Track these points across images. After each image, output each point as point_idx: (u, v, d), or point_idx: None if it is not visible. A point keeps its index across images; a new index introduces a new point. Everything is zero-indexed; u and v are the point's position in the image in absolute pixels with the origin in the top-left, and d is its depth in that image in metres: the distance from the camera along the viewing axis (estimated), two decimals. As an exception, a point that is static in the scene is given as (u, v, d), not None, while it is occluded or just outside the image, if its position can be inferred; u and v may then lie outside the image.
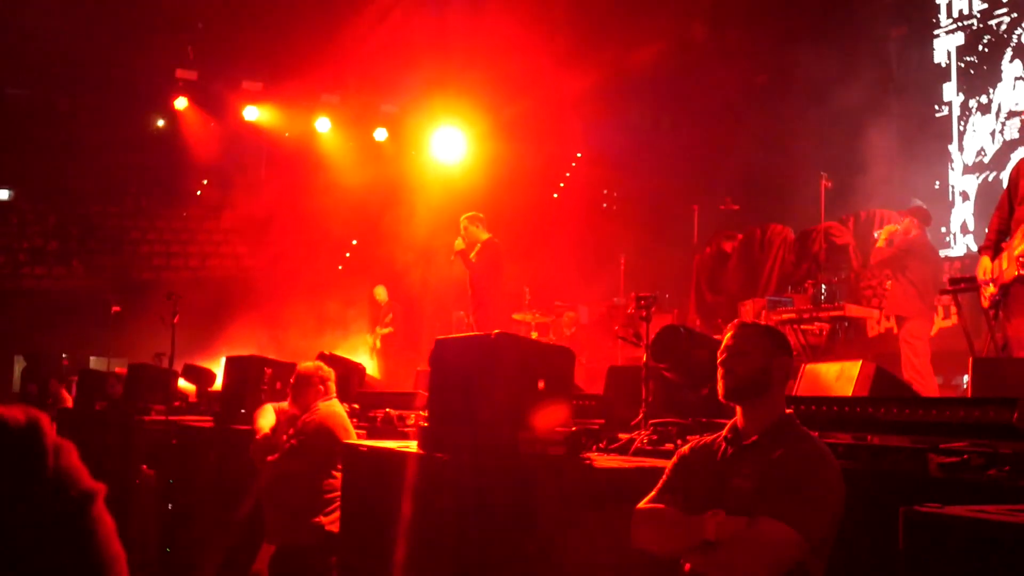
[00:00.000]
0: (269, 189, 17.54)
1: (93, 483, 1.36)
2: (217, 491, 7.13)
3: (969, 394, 4.93)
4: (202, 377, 10.02)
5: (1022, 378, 4.86)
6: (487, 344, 4.41)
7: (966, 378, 9.39)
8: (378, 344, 14.72)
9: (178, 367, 9.82)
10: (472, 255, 10.59)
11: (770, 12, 14.62)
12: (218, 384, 9.82)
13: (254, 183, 17.64)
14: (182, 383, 10.01)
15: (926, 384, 8.34)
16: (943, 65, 13.88)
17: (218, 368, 12.79)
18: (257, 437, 6.30)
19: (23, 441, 1.31)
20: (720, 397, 3.26)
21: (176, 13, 15.68)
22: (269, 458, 6.16)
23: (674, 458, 3.38)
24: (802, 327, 8.87)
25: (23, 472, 1.31)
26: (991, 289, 6.40)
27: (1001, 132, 12.97)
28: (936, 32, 13.98)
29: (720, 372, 3.25)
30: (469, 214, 10.82)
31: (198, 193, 19.71)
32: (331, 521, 5.90)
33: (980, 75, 13.38)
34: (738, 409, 3.26)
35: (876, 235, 9.96)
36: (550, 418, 4.45)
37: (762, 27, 14.91)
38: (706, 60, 15.50)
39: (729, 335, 3.30)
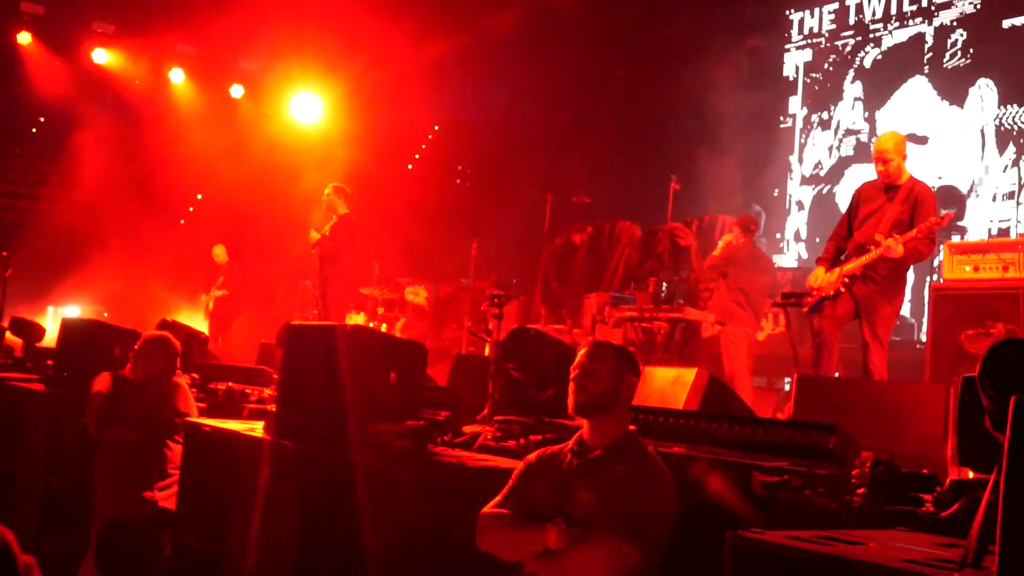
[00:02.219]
0: (113, 136, 16.74)
1: None
2: (44, 456, 6.88)
3: (792, 408, 5.29)
4: (30, 332, 9.56)
5: (840, 396, 5.24)
6: (342, 335, 4.45)
7: (788, 380, 10.00)
8: (211, 305, 14.28)
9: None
10: (327, 228, 10.47)
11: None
12: (48, 340, 9.42)
13: (97, 128, 16.77)
14: (9, 337, 9.53)
15: (740, 387, 8.81)
16: (791, 79, 14.57)
17: (46, 321, 12.26)
18: (92, 404, 6.12)
19: None
20: (569, 411, 3.42)
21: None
22: (104, 426, 6.01)
23: (521, 465, 3.52)
24: (642, 325, 9.22)
25: None
26: (812, 295, 6.91)
27: (838, 148, 13.73)
28: (787, 47, 14.64)
29: (571, 388, 3.41)
30: (335, 184, 10.67)
31: (33, 131, 18.63)
32: (165, 497, 5.78)
33: (824, 92, 14.11)
34: (585, 423, 3.43)
35: (719, 242, 10.48)
36: (399, 411, 4.53)
37: (622, 11, 15.16)
38: (566, 38, 15.59)
39: (583, 352, 3.47)
